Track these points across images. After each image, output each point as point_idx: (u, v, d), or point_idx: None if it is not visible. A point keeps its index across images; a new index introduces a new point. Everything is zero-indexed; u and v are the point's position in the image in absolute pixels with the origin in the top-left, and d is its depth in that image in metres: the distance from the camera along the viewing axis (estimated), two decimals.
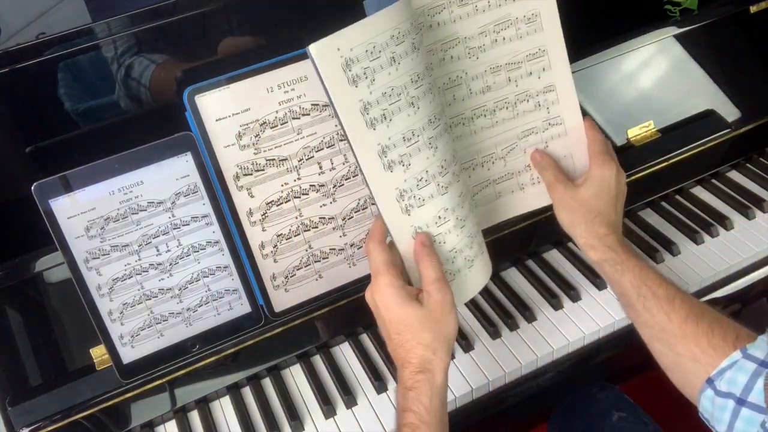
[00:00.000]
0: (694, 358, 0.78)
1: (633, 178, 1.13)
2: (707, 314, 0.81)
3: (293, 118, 0.91)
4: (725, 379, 0.74)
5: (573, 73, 0.95)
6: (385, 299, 0.80)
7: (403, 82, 0.79)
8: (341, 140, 0.94)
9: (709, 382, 0.75)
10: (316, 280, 0.97)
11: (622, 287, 0.88)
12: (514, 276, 1.12)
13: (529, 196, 1.00)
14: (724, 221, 1.15)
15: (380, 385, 0.97)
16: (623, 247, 0.89)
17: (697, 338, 0.78)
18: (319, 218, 0.95)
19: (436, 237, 0.84)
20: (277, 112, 0.90)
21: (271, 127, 0.90)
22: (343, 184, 0.95)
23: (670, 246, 1.11)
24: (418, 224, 0.83)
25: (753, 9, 1.25)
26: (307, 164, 0.93)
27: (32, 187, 0.82)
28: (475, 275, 0.91)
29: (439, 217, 0.84)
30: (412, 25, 0.81)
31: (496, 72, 0.92)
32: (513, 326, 1.03)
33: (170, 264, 0.90)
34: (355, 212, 0.97)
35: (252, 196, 0.91)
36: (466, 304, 1.07)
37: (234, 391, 1.00)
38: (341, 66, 0.75)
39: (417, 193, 0.82)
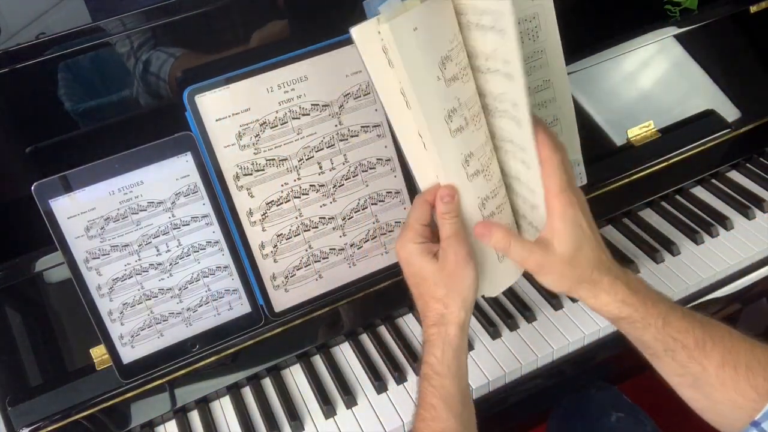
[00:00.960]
0: (735, 405, 0.72)
1: (633, 178, 1.13)
2: (742, 351, 0.72)
3: (293, 118, 0.91)
4: None
5: (573, 73, 0.95)
6: (405, 253, 0.79)
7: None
8: (341, 140, 0.94)
9: (755, 424, 0.70)
10: (316, 280, 0.97)
11: (644, 344, 0.77)
12: None
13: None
14: (724, 221, 1.15)
15: (380, 385, 0.97)
16: (637, 297, 0.75)
17: (737, 383, 0.71)
18: (319, 218, 0.95)
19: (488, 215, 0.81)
20: (277, 112, 0.90)
21: (271, 127, 0.90)
22: (343, 184, 0.95)
23: (670, 246, 1.11)
24: (482, 195, 0.79)
25: (753, 9, 1.25)
26: (307, 164, 0.93)
27: (32, 187, 0.82)
28: (508, 265, 0.86)
29: (487, 197, 0.80)
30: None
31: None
32: (513, 326, 1.03)
33: (170, 264, 0.90)
34: (355, 212, 0.97)
35: (252, 196, 0.91)
36: None
37: (234, 391, 1.00)
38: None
39: (483, 162, 0.78)
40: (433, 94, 0.72)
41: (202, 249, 0.91)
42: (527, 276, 1.10)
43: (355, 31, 0.69)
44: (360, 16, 0.93)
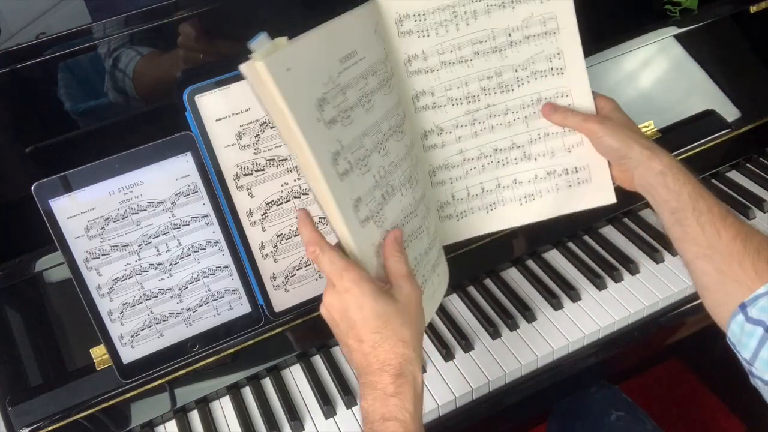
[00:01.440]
0: (736, 278, 0.77)
1: None
2: (757, 237, 0.79)
3: None
4: (759, 306, 0.73)
5: None
6: (356, 296, 0.72)
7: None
8: None
9: (742, 307, 0.74)
10: (316, 280, 0.97)
11: (679, 200, 0.84)
12: (514, 276, 1.12)
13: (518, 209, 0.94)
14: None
15: None
16: (679, 162, 0.86)
17: (742, 258, 0.77)
18: (320, 218, 0.95)
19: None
20: None
21: (271, 127, 0.90)
22: None
23: (669, 246, 1.11)
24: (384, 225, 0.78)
25: (753, 9, 1.25)
26: None
27: (32, 187, 0.82)
28: (440, 282, 0.89)
29: (403, 218, 0.81)
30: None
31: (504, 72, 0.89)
32: (513, 326, 1.03)
33: (170, 264, 0.91)
34: None
35: (252, 196, 0.91)
36: (466, 304, 1.07)
37: (234, 391, 1.00)
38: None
39: (372, 208, 0.77)
40: (317, 134, 0.71)
41: (202, 249, 0.92)
42: (527, 276, 1.11)
43: (244, 68, 0.67)
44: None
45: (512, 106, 0.90)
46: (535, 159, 0.92)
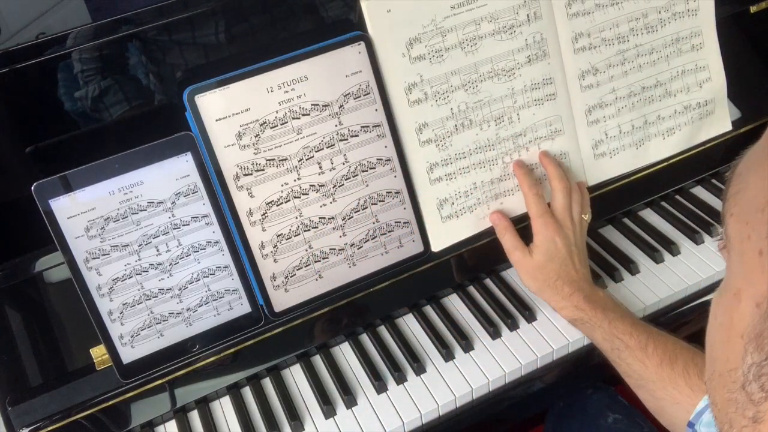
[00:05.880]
0: (674, 401, 0.79)
1: (633, 178, 1.13)
2: (681, 354, 0.82)
3: (293, 118, 0.91)
4: (704, 422, 0.73)
5: None
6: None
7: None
8: (341, 140, 0.94)
9: (690, 425, 0.75)
10: (316, 280, 0.97)
11: (597, 343, 0.93)
12: (514, 276, 1.11)
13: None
14: (722, 222, 1.14)
15: (380, 385, 0.97)
16: (590, 304, 0.92)
17: (675, 381, 0.80)
18: (319, 218, 0.95)
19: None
20: (277, 112, 0.90)
21: (271, 127, 0.90)
22: (343, 184, 0.95)
23: (670, 246, 1.11)
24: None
25: (753, 9, 1.25)
26: (307, 164, 0.93)
27: (32, 187, 0.82)
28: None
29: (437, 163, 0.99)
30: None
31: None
32: (513, 326, 1.03)
33: (170, 264, 0.90)
34: (355, 212, 0.97)
35: (252, 196, 0.91)
36: (466, 304, 1.07)
37: (234, 391, 1.00)
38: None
39: (438, 133, 0.98)
40: (397, 67, 0.92)
41: (202, 249, 0.91)
42: None
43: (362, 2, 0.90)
44: (360, 16, 0.94)
45: (656, 45, 1.04)
46: (675, 95, 1.06)
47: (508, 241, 0.99)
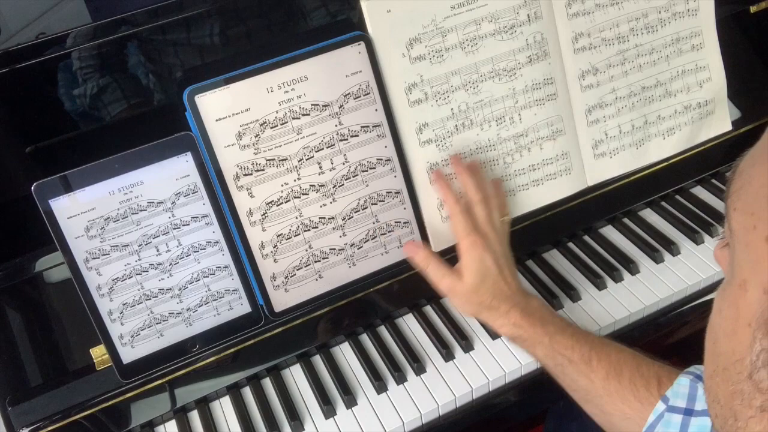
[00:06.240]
0: (624, 416, 0.78)
1: (633, 178, 1.13)
2: (627, 365, 0.80)
3: (293, 118, 0.91)
4: None
5: None
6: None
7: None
8: (341, 140, 0.94)
9: None
10: (316, 280, 0.97)
11: (540, 360, 0.90)
12: None
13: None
14: (724, 221, 1.14)
15: (380, 385, 0.97)
16: (528, 319, 0.89)
17: (622, 394, 0.78)
18: (319, 218, 0.95)
19: None
20: (277, 112, 0.90)
21: (271, 127, 0.90)
22: (343, 184, 0.95)
23: (669, 246, 1.11)
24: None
25: (753, 9, 1.25)
26: (307, 164, 0.93)
27: (32, 187, 0.82)
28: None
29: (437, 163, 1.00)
30: None
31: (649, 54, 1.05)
32: None
33: (170, 264, 0.90)
34: (355, 212, 0.97)
35: (252, 196, 0.91)
36: None
37: (234, 391, 1.00)
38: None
39: (438, 134, 0.98)
40: (397, 67, 0.93)
41: (202, 249, 0.91)
42: (527, 276, 1.11)
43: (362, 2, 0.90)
44: (360, 16, 0.93)
45: (657, 45, 1.04)
46: (675, 95, 1.06)
47: (434, 270, 0.93)
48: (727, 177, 0.51)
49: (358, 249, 0.98)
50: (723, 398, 0.48)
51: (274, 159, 0.91)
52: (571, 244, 1.15)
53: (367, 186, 0.97)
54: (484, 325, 1.03)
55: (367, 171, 0.96)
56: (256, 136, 0.90)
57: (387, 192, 0.98)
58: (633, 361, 0.81)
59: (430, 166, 0.98)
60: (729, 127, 1.10)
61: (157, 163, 0.87)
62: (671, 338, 1.11)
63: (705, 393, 0.52)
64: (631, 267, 1.09)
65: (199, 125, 0.87)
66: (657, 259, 1.10)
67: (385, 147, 0.96)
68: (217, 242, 0.92)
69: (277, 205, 0.93)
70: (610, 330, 1.03)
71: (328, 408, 0.95)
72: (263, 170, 0.91)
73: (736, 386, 0.46)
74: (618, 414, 0.79)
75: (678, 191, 1.22)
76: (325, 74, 0.91)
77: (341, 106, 0.93)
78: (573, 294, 1.06)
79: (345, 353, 1.03)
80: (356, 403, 0.96)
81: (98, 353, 0.92)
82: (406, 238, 1.00)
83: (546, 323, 0.88)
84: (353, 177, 0.95)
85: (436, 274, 0.93)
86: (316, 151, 0.93)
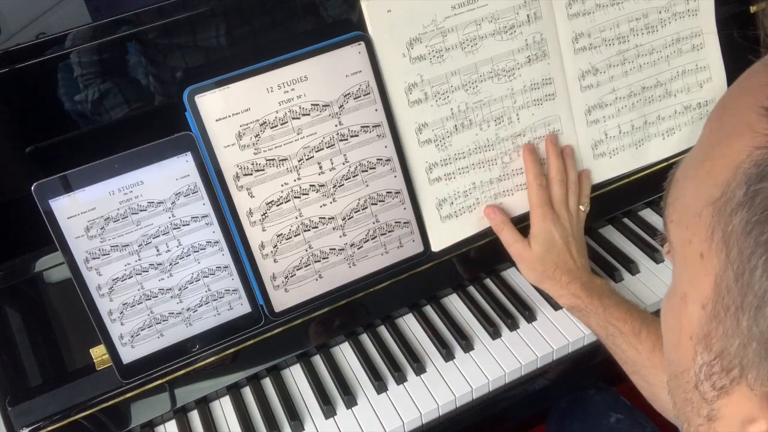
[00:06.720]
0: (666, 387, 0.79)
1: (633, 178, 1.13)
2: None
3: (293, 118, 0.91)
4: None
5: None
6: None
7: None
8: (341, 140, 0.94)
9: None
10: (316, 280, 0.97)
11: (591, 329, 0.95)
12: (514, 276, 1.12)
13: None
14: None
15: (380, 385, 0.97)
16: (586, 291, 0.94)
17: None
18: (319, 218, 0.95)
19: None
20: (277, 112, 0.90)
21: (271, 127, 0.90)
22: (343, 184, 0.95)
23: None
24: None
25: (753, 9, 1.25)
26: (307, 164, 0.93)
27: (32, 187, 0.82)
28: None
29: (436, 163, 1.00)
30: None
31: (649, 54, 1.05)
32: (513, 326, 1.03)
33: (170, 264, 0.90)
34: (355, 212, 0.97)
35: (252, 196, 0.91)
36: (466, 304, 1.07)
37: (234, 391, 1.00)
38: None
39: (438, 133, 0.99)
40: (397, 67, 0.93)
41: (202, 249, 0.91)
42: None
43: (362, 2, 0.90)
44: (360, 16, 0.93)
45: (657, 45, 1.04)
46: (675, 95, 1.06)
47: (507, 234, 1.00)
48: (664, 186, 0.50)
49: (358, 249, 0.98)
50: (678, 403, 0.48)
51: (274, 159, 0.91)
52: None
53: (367, 186, 0.97)
54: (483, 325, 1.03)
55: (367, 171, 0.96)
56: (256, 136, 0.90)
57: (387, 192, 0.98)
58: None
59: (430, 166, 0.98)
60: None
61: (157, 163, 0.87)
62: None
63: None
64: (631, 267, 1.09)
65: (199, 125, 0.87)
66: (657, 259, 1.10)
67: (385, 147, 0.96)
68: (217, 242, 0.92)
69: (277, 205, 0.93)
70: None
71: (328, 408, 0.95)
72: (263, 170, 0.91)
73: (686, 394, 0.46)
74: (660, 385, 0.80)
75: None
76: (325, 74, 0.91)
77: (341, 106, 0.93)
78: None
79: (345, 353, 1.03)
80: (356, 403, 0.96)
81: (98, 353, 0.92)
82: (406, 238, 1.00)
83: (603, 297, 0.93)
84: (353, 177, 0.95)
85: (509, 239, 1.00)
86: (316, 151, 0.93)
